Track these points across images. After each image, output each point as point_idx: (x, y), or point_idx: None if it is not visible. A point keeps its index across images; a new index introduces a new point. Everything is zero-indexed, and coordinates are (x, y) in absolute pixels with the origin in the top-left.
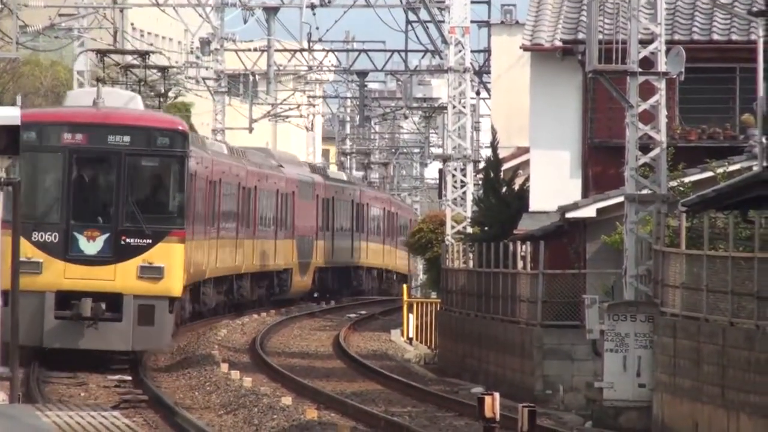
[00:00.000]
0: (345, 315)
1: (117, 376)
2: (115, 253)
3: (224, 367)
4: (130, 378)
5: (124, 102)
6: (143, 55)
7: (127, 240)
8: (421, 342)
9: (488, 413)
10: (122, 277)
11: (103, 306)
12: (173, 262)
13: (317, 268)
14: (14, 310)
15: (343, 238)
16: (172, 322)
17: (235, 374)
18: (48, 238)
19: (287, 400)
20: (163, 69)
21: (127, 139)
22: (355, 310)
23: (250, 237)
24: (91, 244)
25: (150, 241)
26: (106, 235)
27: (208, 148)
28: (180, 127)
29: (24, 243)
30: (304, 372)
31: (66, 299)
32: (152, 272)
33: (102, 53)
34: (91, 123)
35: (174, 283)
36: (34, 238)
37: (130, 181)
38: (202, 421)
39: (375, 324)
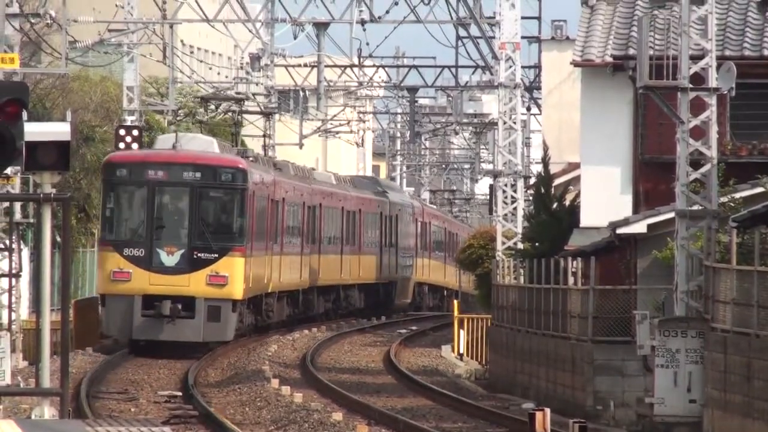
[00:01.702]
0: (395, 330)
1: (167, 392)
2: (189, 265)
3: (275, 382)
4: (180, 393)
5: (201, 145)
6: (239, 101)
7: (199, 254)
8: (471, 358)
9: (539, 429)
10: (195, 284)
11: (180, 306)
12: (235, 272)
13: (416, 283)
14: (64, 322)
15: (437, 259)
16: (235, 319)
17: (286, 390)
18: (136, 253)
19: (338, 415)
20: (267, 114)
21: (198, 175)
22: (406, 325)
23: (355, 253)
24: (170, 258)
25: (217, 255)
26: (182, 251)
27: (313, 179)
28: (240, 166)
29: (117, 257)
30: (354, 388)
31: (150, 301)
32: (218, 280)
33: (205, 99)
34: (169, 162)
35: (236, 289)
36: (126, 253)
37: (200, 208)
38: None
39: (425, 339)
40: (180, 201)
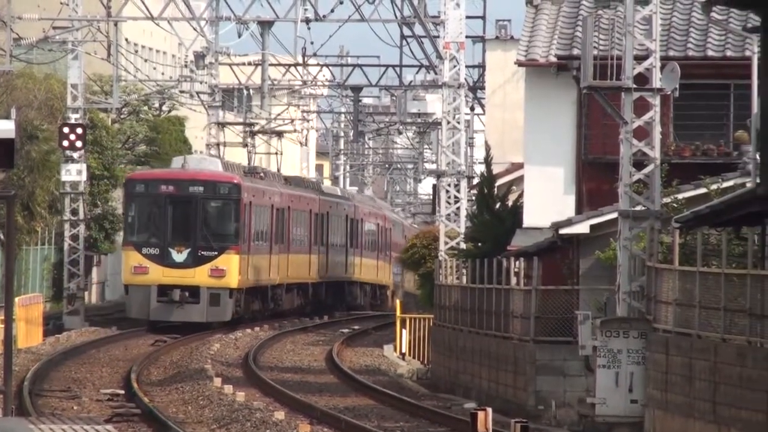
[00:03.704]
0: (338, 330)
1: (110, 390)
2: (195, 261)
3: (217, 381)
4: (122, 392)
5: (206, 165)
6: (250, 125)
7: (202, 252)
8: (413, 357)
9: (481, 429)
10: (199, 276)
11: (187, 294)
12: (231, 266)
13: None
14: (8, 323)
15: None
16: (232, 304)
17: (228, 389)
18: (152, 251)
19: (280, 414)
20: (280, 134)
21: (201, 188)
22: (348, 325)
23: (358, 256)
24: (179, 255)
25: (216, 253)
26: (189, 249)
27: (321, 190)
28: (235, 181)
29: (137, 255)
30: (297, 387)
31: (164, 290)
32: (218, 273)
33: (221, 125)
34: (178, 179)
35: (232, 279)
36: (144, 251)
37: (203, 215)
38: None
39: (368, 339)
40: (187, 210)
